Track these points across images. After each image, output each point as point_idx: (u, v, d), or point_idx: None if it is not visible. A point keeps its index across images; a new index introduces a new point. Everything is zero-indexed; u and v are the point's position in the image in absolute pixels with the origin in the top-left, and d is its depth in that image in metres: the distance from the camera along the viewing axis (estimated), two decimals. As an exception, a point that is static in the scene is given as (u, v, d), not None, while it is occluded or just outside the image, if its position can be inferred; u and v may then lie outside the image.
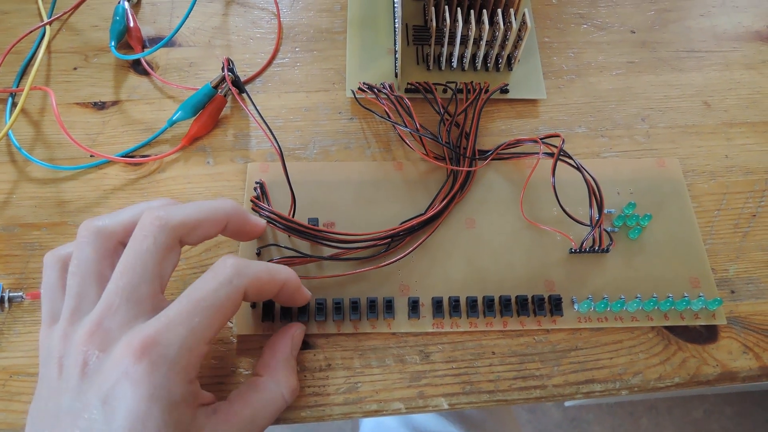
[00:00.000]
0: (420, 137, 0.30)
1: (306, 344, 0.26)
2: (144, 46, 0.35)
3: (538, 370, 0.26)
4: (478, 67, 0.33)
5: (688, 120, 0.32)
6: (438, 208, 0.28)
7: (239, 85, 0.31)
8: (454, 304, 0.26)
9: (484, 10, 0.30)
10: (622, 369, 0.26)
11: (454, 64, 0.32)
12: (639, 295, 0.27)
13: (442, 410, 0.25)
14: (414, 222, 0.28)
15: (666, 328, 0.27)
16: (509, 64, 0.33)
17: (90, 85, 0.33)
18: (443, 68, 0.33)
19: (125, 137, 0.31)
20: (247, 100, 0.32)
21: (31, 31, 0.34)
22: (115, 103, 0.33)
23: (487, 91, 0.31)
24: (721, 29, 0.36)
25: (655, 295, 0.27)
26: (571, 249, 0.28)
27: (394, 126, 0.30)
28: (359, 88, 0.31)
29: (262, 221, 0.25)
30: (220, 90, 0.31)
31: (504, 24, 0.30)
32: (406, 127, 0.30)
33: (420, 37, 0.34)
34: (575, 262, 0.28)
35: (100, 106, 0.32)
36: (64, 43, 0.35)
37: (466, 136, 0.30)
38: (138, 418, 0.18)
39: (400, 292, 0.27)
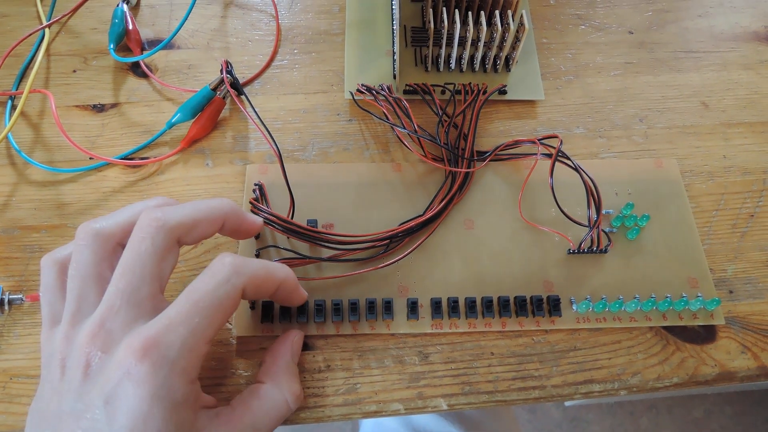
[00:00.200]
0: (418, 138, 0.30)
1: (305, 345, 0.26)
2: (143, 49, 0.35)
3: (537, 370, 0.26)
4: (476, 69, 0.33)
5: (686, 120, 0.32)
6: (436, 210, 0.28)
7: (238, 87, 0.32)
8: (453, 304, 0.26)
9: (482, 12, 0.30)
10: (621, 369, 0.26)
11: (452, 66, 0.32)
12: (637, 296, 0.27)
13: (441, 411, 0.25)
14: (413, 223, 0.28)
15: (664, 328, 0.27)
16: (507, 65, 0.33)
17: (89, 88, 0.33)
18: (441, 69, 0.33)
19: (124, 139, 0.31)
20: (246, 102, 0.32)
21: (30, 34, 0.34)
22: (114, 105, 0.33)
23: (485, 92, 0.31)
24: (718, 30, 0.36)
25: (653, 296, 0.27)
26: (570, 250, 0.28)
27: (392, 127, 0.30)
28: (358, 90, 0.32)
29: (259, 219, 0.25)
30: (218, 92, 0.31)
31: (502, 25, 0.30)
32: (404, 128, 0.30)
33: (418, 38, 0.34)
34: (574, 263, 0.28)
35: (99, 108, 0.33)
36: (63, 45, 0.35)
37: (465, 138, 0.30)
38: (140, 418, 0.18)
39: (399, 293, 0.27)
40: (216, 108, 0.31)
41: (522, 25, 0.29)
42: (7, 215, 0.29)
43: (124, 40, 0.34)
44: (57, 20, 0.35)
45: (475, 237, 0.28)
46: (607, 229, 0.28)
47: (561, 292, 0.27)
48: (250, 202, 0.27)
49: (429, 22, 0.33)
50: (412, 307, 0.26)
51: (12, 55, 0.34)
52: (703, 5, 0.37)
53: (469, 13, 0.31)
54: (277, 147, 0.28)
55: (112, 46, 0.34)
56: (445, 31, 0.30)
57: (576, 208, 0.29)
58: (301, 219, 0.28)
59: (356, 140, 0.32)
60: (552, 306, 0.26)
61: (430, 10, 0.32)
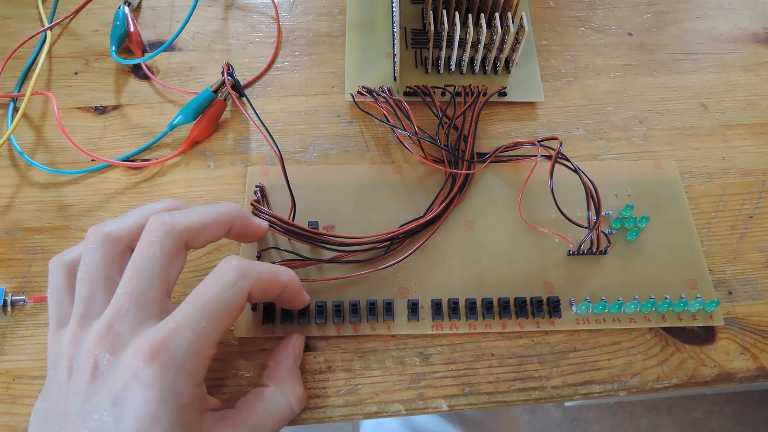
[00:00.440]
0: (419, 140, 0.30)
1: (306, 347, 0.26)
2: (144, 51, 0.35)
3: (537, 371, 0.26)
4: (476, 71, 0.33)
5: (686, 122, 0.33)
6: (437, 211, 0.28)
7: (239, 89, 0.32)
8: (453, 306, 0.26)
9: (482, 14, 0.30)
10: (621, 370, 0.26)
11: (453, 68, 0.33)
12: (637, 297, 0.27)
13: (442, 412, 0.25)
14: (413, 225, 0.28)
15: (664, 329, 0.27)
16: (507, 67, 0.33)
17: (91, 90, 0.33)
18: (441, 71, 0.33)
19: (126, 141, 0.32)
20: (247, 104, 0.32)
21: (32, 36, 0.34)
22: (115, 107, 0.33)
23: (485, 94, 0.32)
24: (717, 31, 0.36)
25: (652, 297, 0.27)
26: (569, 251, 0.28)
27: (393, 129, 0.31)
28: (358, 92, 0.32)
29: (265, 223, 0.26)
30: (220, 94, 0.32)
31: (502, 27, 0.30)
32: (404, 130, 0.30)
33: (418, 40, 0.34)
34: (573, 264, 0.28)
35: (101, 110, 0.33)
36: (65, 47, 0.35)
37: (465, 139, 0.30)
38: (147, 420, 0.18)
39: (400, 294, 0.27)
40: (217, 110, 0.32)
41: (522, 27, 0.30)
42: (9, 217, 0.29)
43: (126, 43, 0.35)
44: (59, 22, 0.35)
45: (475, 238, 0.28)
46: (606, 231, 0.28)
47: (561, 294, 0.27)
48: (252, 204, 0.28)
49: (429, 24, 0.33)
50: (413, 309, 0.26)
51: (14, 58, 0.34)
52: (702, 7, 0.37)
53: (469, 15, 0.31)
54: (278, 149, 0.28)
55: (113, 48, 0.34)
56: (445, 33, 0.30)
57: (576, 210, 0.29)
58: (302, 221, 0.28)
59: (357, 142, 0.32)
60: (552, 307, 0.26)
61: (431, 12, 0.32)
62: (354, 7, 0.36)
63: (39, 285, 0.27)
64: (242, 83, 0.33)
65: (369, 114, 0.32)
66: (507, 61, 0.33)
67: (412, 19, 0.35)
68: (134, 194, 0.30)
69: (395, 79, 0.33)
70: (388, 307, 0.26)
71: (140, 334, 0.19)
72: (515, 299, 0.27)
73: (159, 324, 0.20)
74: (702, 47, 0.35)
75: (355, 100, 0.32)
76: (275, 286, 0.22)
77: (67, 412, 0.19)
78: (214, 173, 0.31)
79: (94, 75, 0.34)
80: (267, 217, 0.27)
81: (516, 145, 0.30)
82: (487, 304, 0.26)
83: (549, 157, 0.28)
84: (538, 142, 0.29)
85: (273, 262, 0.27)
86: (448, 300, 0.26)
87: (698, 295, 0.27)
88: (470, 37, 0.31)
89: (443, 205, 0.28)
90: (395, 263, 0.27)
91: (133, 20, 0.35)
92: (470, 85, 0.32)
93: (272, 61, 0.34)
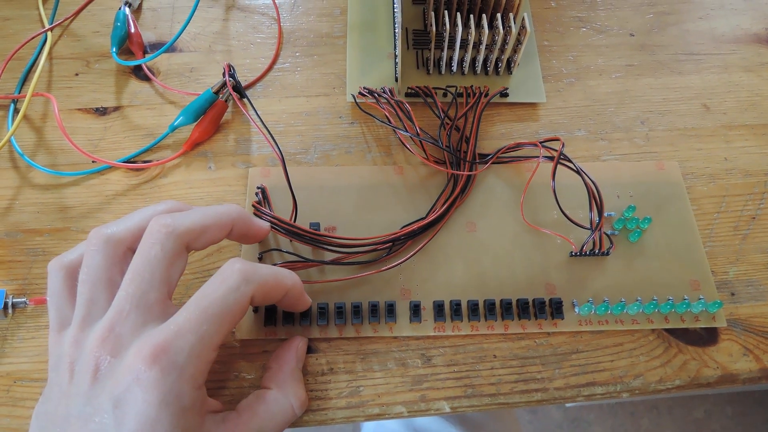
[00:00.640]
0: (420, 141, 0.30)
1: (308, 348, 0.26)
2: (145, 52, 0.35)
3: (540, 373, 0.26)
4: (478, 71, 0.33)
5: (687, 123, 0.32)
6: (439, 212, 0.28)
7: (240, 90, 0.32)
8: (456, 307, 0.26)
9: (484, 15, 0.30)
10: (623, 371, 0.26)
11: (454, 68, 0.32)
12: (639, 298, 0.27)
13: (444, 413, 0.25)
14: (415, 226, 0.28)
15: (666, 330, 0.27)
16: (509, 67, 0.33)
17: (92, 91, 0.33)
18: (443, 72, 0.33)
19: (127, 143, 0.31)
20: (248, 105, 0.32)
21: (32, 38, 0.34)
22: (116, 108, 0.33)
23: (486, 95, 0.31)
24: (719, 32, 0.36)
25: (655, 298, 0.27)
26: (572, 252, 0.28)
27: (394, 130, 0.31)
28: (360, 93, 0.32)
29: (266, 224, 0.26)
30: (221, 95, 0.31)
31: (503, 28, 0.30)
32: (406, 131, 0.30)
33: (420, 41, 0.34)
34: (576, 266, 0.28)
35: (101, 111, 0.33)
36: (65, 49, 0.35)
37: (467, 140, 0.30)
38: (148, 423, 0.18)
39: (402, 295, 0.27)
40: (218, 111, 0.31)
41: (523, 27, 0.29)
42: (10, 218, 0.29)
43: (127, 44, 0.34)
44: (59, 23, 0.35)
45: (477, 240, 0.28)
46: (609, 232, 0.28)
47: (563, 295, 0.27)
48: (253, 205, 0.27)
49: (431, 25, 0.33)
50: (415, 310, 0.26)
51: (14, 59, 0.34)
52: (704, 7, 0.37)
53: (471, 15, 0.31)
54: (280, 150, 0.28)
55: (114, 49, 0.34)
56: (446, 34, 0.30)
57: (578, 211, 0.29)
58: (303, 222, 0.28)
59: (358, 143, 0.32)
60: (554, 308, 0.26)
61: (432, 12, 0.32)
62: (355, 7, 0.36)
63: (40, 287, 0.27)
64: (243, 84, 0.33)
65: (370, 115, 0.32)
66: (508, 62, 0.33)
67: (414, 19, 0.35)
68: (135, 196, 0.30)
69: (396, 80, 0.33)
70: (390, 309, 0.26)
71: (142, 337, 0.19)
72: (517, 300, 0.27)
73: (161, 326, 0.20)
74: (704, 48, 0.35)
75: (357, 101, 0.32)
76: (278, 290, 0.22)
77: (68, 414, 0.19)
78: (215, 174, 0.31)
79: (95, 76, 0.34)
80: (268, 218, 0.26)
81: (518, 146, 0.30)
82: (490, 306, 0.26)
83: (551, 158, 0.28)
84: (540, 143, 0.29)
85: (275, 264, 0.27)
86: (450, 301, 0.26)
87: (701, 296, 0.27)
88: (472, 38, 0.31)
89: (445, 206, 0.28)
90: (397, 264, 0.27)
91: (133, 21, 0.35)
92: (472, 86, 0.32)
93: (273, 62, 0.34)
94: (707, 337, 0.27)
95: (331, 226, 0.29)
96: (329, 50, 0.35)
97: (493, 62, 0.32)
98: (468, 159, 0.29)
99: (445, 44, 0.31)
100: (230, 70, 0.31)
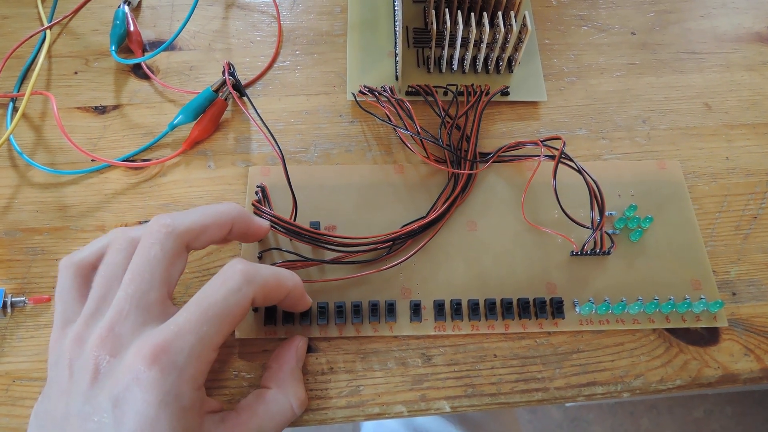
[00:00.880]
0: (421, 140, 0.30)
1: (308, 348, 0.26)
2: (144, 50, 0.35)
3: (540, 372, 0.26)
4: (479, 70, 0.33)
5: (689, 122, 0.32)
6: (439, 211, 0.28)
7: (240, 89, 0.31)
8: (456, 307, 0.26)
9: (485, 13, 0.30)
10: (624, 371, 0.26)
11: (455, 67, 0.32)
12: (640, 298, 0.27)
13: (444, 413, 0.25)
14: (415, 225, 0.28)
15: (667, 330, 0.27)
16: (510, 66, 0.33)
17: (91, 90, 0.33)
18: (444, 71, 0.33)
19: (126, 141, 0.31)
20: (248, 103, 0.32)
21: (31, 36, 0.34)
22: (115, 107, 0.33)
23: (487, 93, 0.31)
24: (721, 31, 0.36)
25: (656, 298, 0.27)
26: (573, 251, 0.28)
27: (394, 129, 0.30)
28: (360, 91, 0.32)
29: (266, 223, 0.26)
30: (220, 93, 0.31)
31: (504, 26, 0.30)
32: (407, 130, 0.30)
33: (420, 39, 0.34)
34: (576, 265, 0.28)
35: (101, 110, 0.33)
36: (64, 47, 0.35)
37: (467, 139, 0.30)
38: (147, 423, 0.18)
39: (402, 295, 0.27)
40: (218, 110, 0.31)
41: (524, 26, 0.29)
42: (9, 217, 0.29)
43: (126, 42, 0.34)
44: (58, 22, 0.35)
45: (477, 239, 0.28)
46: (610, 231, 0.28)
47: (564, 294, 0.27)
48: (253, 204, 0.27)
49: (431, 23, 0.33)
50: (415, 309, 0.26)
51: (13, 57, 0.34)
52: (705, 6, 0.37)
53: (472, 14, 0.31)
54: (280, 148, 0.28)
55: (113, 47, 0.33)
56: (447, 33, 0.30)
57: (579, 210, 0.29)
58: (303, 221, 0.28)
59: (358, 142, 0.31)
60: (555, 308, 0.26)
61: (433, 11, 0.32)
62: (355, 6, 0.36)
63: (39, 286, 0.27)
64: (243, 83, 0.33)
65: (371, 113, 0.32)
66: (509, 61, 0.33)
67: (414, 18, 0.35)
68: (134, 195, 0.30)
69: (397, 79, 0.33)
70: (391, 308, 0.26)
71: (141, 337, 0.19)
72: (518, 300, 0.26)
73: (161, 326, 0.20)
74: (705, 47, 0.35)
75: (357, 99, 0.32)
76: (279, 292, 0.22)
77: (68, 413, 0.19)
78: (215, 173, 0.30)
79: (94, 74, 0.34)
80: (268, 217, 0.26)
81: (519, 144, 0.30)
82: (490, 305, 0.26)
83: (552, 157, 0.28)
84: (541, 141, 0.29)
85: (275, 263, 0.27)
86: (451, 301, 0.26)
87: (702, 296, 0.27)
88: (473, 36, 0.30)
89: (445, 205, 0.28)
90: (397, 264, 0.27)
91: (133, 19, 0.35)
92: (472, 85, 0.32)
93: (273, 61, 0.34)
94: (708, 336, 0.27)
95: (331, 225, 0.28)
96: (329, 48, 0.35)
97: (494, 61, 0.32)
98: (469, 158, 0.29)
99: (446, 42, 0.31)
100: (230, 69, 0.31)
